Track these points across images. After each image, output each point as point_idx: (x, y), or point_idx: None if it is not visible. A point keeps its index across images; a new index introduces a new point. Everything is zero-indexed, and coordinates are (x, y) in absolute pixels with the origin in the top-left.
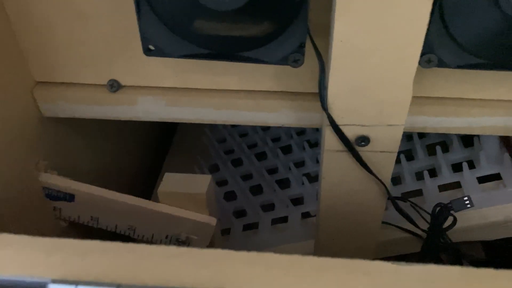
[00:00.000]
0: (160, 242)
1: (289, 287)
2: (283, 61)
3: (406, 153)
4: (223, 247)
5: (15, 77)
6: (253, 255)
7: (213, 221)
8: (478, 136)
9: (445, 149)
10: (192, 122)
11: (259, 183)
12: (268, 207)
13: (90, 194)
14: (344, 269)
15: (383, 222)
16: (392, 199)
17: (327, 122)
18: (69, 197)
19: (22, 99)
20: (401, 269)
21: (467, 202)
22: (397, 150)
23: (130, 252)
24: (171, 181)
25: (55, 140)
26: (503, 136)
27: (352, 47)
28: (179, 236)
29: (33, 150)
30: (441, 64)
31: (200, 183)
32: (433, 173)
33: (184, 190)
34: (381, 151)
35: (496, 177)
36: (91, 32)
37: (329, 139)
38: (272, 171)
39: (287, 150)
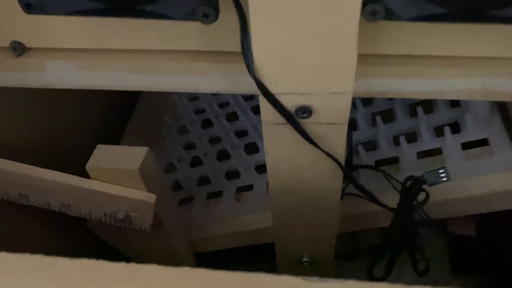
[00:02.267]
0: (100, 219)
1: None
2: (191, 16)
3: (384, 114)
4: (185, 217)
5: None
6: (131, 267)
7: (151, 198)
8: None
9: (430, 109)
10: (111, 89)
11: (225, 148)
12: (234, 174)
13: (11, 172)
14: (244, 283)
15: (349, 194)
16: (347, 175)
17: (259, 90)
18: None
19: None
20: (312, 286)
21: (443, 175)
22: (347, 121)
23: None
24: (102, 155)
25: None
26: None
27: None
28: (116, 214)
29: None
30: (390, 15)
31: (134, 156)
32: (413, 137)
33: (115, 165)
34: (327, 123)
35: (483, 142)
36: None
37: (265, 110)
38: (242, 133)
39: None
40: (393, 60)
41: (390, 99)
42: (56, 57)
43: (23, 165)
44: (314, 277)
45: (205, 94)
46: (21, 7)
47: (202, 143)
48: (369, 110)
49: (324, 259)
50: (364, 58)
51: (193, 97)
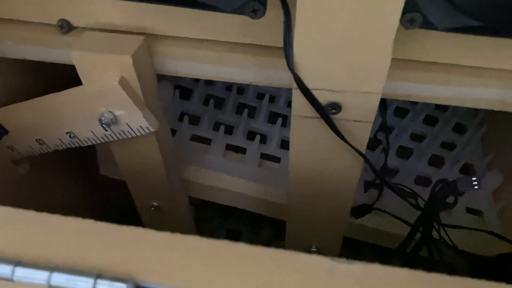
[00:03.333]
0: (105, 138)
1: (207, 280)
2: (240, 10)
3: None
4: (196, 155)
5: None
6: (174, 237)
7: (113, 79)
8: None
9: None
10: None
11: (221, 97)
12: (225, 128)
13: (9, 113)
14: (273, 261)
15: (377, 209)
16: (377, 175)
17: (295, 84)
18: (1, 128)
19: None
20: (338, 267)
21: (475, 183)
22: (372, 120)
23: (39, 223)
24: (90, 41)
25: (5, 83)
26: None
27: None
28: (102, 118)
29: None
30: (427, 25)
31: (127, 44)
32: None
33: (105, 51)
34: (354, 120)
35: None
36: None
37: (298, 104)
38: (240, 90)
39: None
40: (420, 65)
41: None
42: None
43: (22, 102)
44: (341, 259)
45: None
46: None
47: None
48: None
49: (331, 250)
50: (393, 62)
51: None
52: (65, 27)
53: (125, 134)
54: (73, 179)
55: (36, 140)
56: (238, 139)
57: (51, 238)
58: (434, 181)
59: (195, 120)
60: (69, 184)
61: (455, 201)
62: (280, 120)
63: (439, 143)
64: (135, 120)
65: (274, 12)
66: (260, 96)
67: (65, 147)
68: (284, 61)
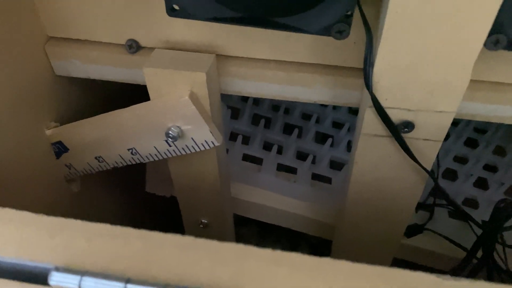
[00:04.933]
0: (167, 153)
1: None
2: (325, 31)
3: None
4: (249, 175)
5: (26, 30)
6: (278, 253)
7: (185, 93)
8: None
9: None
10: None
11: (269, 117)
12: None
13: (71, 131)
14: (380, 278)
15: (429, 229)
16: (438, 187)
17: (369, 103)
18: (61, 146)
19: (33, 55)
20: (444, 283)
21: None
22: (442, 139)
23: (141, 239)
24: (161, 58)
25: (67, 101)
26: None
27: (409, 19)
28: (170, 133)
29: (44, 110)
30: (510, 46)
31: (200, 61)
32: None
33: (179, 68)
34: (424, 139)
35: None
36: None
37: (369, 122)
38: (286, 110)
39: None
40: (488, 86)
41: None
42: None
43: (84, 119)
44: (446, 275)
45: None
46: (166, 10)
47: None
48: None
49: None
50: None
51: None
52: (134, 47)
53: (188, 149)
54: (119, 197)
55: (95, 157)
56: (289, 159)
57: (155, 254)
58: (480, 203)
59: (244, 140)
60: (115, 202)
61: None
62: (329, 140)
63: (482, 166)
64: (201, 134)
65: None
66: (305, 116)
67: (124, 163)
68: (351, 80)
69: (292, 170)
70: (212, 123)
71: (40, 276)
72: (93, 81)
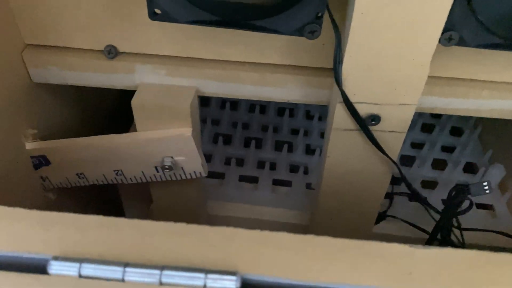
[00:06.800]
0: (153, 178)
1: (302, 268)
2: (298, 32)
3: None
4: (217, 191)
5: (2, 37)
6: (264, 234)
7: (187, 131)
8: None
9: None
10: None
11: (259, 137)
12: (269, 165)
13: (59, 148)
14: (359, 250)
15: (390, 216)
16: (404, 178)
17: (339, 99)
18: (44, 159)
19: (10, 62)
20: (417, 252)
21: (486, 187)
22: (406, 131)
23: (133, 228)
24: (147, 92)
25: (44, 108)
26: None
27: (373, 20)
28: (164, 163)
29: (21, 117)
30: (462, 42)
31: (183, 95)
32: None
33: (164, 102)
34: (390, 131)
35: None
36: None
37: (339, 117)
38: (275, 130)
39: (291, 114)
40: (444, 81)
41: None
42: (146, 62)
43: (68, 139)
44: (418, 245)
45: None
46: (148, 14)
47: (230, 123)
48: None
49: None
50: None
51: None
52: (113, 52)
53: (175, 176)
54: (96, 202)
55: (76, 173)
56: (250, 169)
57: (149, 240)
58: (440, 183)
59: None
60: (92, 208)
61: (471, 205)
62: (286, 146)
63: (439, 148)
64: (192, 166)
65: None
66: (264, 128)
67: (105, 182)
68: (321, 80)
69: (286, 183)
70: (203, 156)
71: (38, 267)
72: (71, 87)
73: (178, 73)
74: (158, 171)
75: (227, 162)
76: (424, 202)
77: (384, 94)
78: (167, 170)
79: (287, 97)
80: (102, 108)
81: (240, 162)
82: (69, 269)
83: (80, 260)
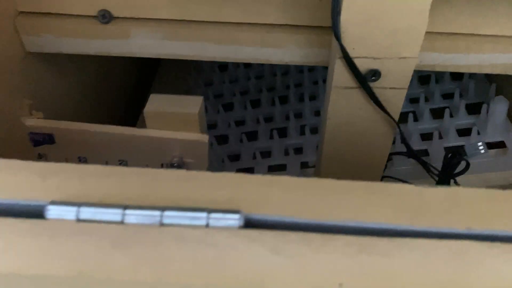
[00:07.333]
0: None
1: (309, 208)
2: None
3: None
4: None
5: None
6: (269, 177)
7: (205, 138)
8: (487, 104)
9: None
10: (191, 58)
11: (254, 130)
12: (265, 154)
13: (70, 130)
14: (367, 190)
15: (387, 176)
16: (402, 138)
17: (338, 54)
18: (49, 138)
19: (2, 31)
20: (425, 191)
21: (481, 147)
22: (407, 87)
23: (136, 175)
24: (158, 102)
25: (40, 78)
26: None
27: None
28: (172, 161)
29: (16, 88)
30: None
31: (191, 103)
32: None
33: (175, 109)
34: (391, 88)
35: (500, 144)
36: None
37: (339, 74)
38: (268, 119)
39: (283, 100)
40: (444, 37)
41: (413, 103)
42: (142, 26)
43: (79, 123)
44: (425, 185)
45: (223, 81)
46: None
47: (226, 123)
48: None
49: None
50: None
51: (209, 82)
52: (107, 17)
53: None
54: None
55: (79, 157)
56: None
57: (151, 185)
58: (439, 132)
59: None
60: None
61: (467, 165)
62: (276, 132)
63: (439, 96)
64: (197, 168)
65: None
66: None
67: None
68: (320, 38)
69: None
70: (208, 161)
71: (36, 213)
72: (69, 60)
73: (175, 37)
74: (162, 167)
75: (224, 160)
76: (423, 164)
77: (384, 47)
78: (173, 168)
79: (286, 59)
80: (103, 82)
81: (237, 158)
82: (66, 213)
83: (78, 204)
